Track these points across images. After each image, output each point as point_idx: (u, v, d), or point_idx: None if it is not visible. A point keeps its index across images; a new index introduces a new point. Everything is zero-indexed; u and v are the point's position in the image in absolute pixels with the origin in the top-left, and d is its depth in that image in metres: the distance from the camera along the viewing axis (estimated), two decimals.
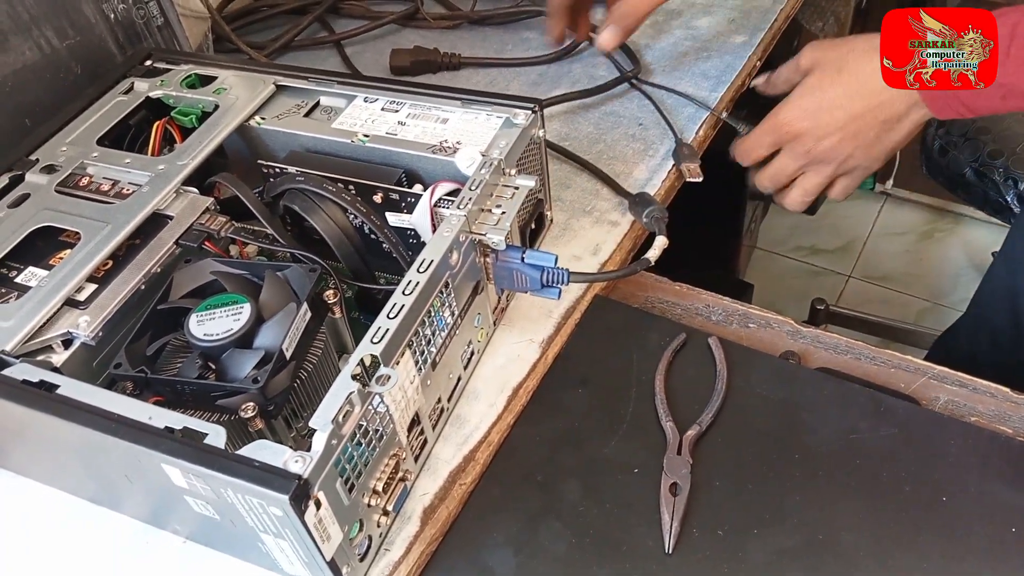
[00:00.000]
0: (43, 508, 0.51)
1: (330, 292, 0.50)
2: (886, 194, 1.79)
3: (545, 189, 0.62)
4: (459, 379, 0.53)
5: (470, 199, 0.50)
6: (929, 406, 0.52)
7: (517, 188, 0.53)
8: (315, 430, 0.39)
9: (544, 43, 0.83)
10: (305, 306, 0.48)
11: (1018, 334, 0.78)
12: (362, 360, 0.42)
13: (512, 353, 0.56)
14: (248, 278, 0.51)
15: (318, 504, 0.39)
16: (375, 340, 0.43)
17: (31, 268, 0.51)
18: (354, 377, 0.41)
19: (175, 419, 0.41)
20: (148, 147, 0.60)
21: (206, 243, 0.53)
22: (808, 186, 0.67)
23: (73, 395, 0.43)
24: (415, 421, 0.48)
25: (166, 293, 0.50)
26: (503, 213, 0.51)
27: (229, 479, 0.38)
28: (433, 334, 0.48)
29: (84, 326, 0.47)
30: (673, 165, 0.68)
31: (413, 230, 0.55)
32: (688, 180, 0.67)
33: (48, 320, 0.48)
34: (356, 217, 0.54)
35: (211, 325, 0.47)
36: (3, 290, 0.50)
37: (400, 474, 0.46)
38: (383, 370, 0.42)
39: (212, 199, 0.54)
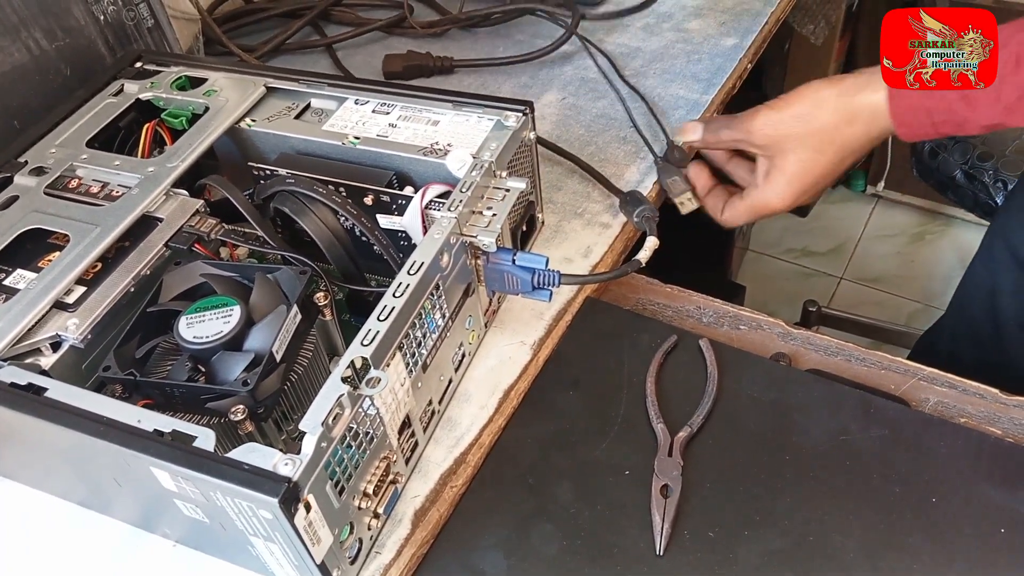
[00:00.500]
0: (32, 512, 0.51)
1: (320, 294, 0.50)
2: (877, 196, 1.80)
3: (536, 191, 0.62)
4: (450, 381, 0.53)
5: (461, 201, 0.50)
6: (919, 407, 0.53)
7: (508, 190, 0.53)
8: (305, 433, 0.39)
9: (534, 43, 0.83)
10: (295, 308, 0.48)
11: (998, 332, 0.79)
12: (352, 362, 0.42)
13: (503, 355, 0.56)
14: (238, 280, 0.51)
15: (308, 507, 0.39)
16: (365, 342, 0.42)
17: (20, 271, 0.51)
18: (344, 379, 0.41)
19: (164, 422, 0.41)
20: (138, 149, 0.60)
21: (196, 245, 0.52)
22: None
23: (61, 398, 0.42)
24: (406, 423, 0.47)
25: (156, 295, 0.50)
26: (494, 215, 0.51)
27: (218, 482, 0.38)
28: (424, 336, 0.48)
29: (73, 329, 0.47)
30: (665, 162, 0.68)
31: (404, 232, 0.55)
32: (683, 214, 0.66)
33: (37, 323, 0.47)
34: (347, 219, 0.54)
35: (201, 327, 0.47)
36: None
37: (391, 477, 0.46)
38: (373, 372, 0.42)
39: (202, 201, 0.54)
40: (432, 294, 0.48)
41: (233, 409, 0.44)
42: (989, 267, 0.80)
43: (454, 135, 0.56)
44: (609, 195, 0.66)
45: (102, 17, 0.67)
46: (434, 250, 0.47)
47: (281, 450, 0.39)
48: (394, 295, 0.45)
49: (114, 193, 0.55)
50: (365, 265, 0.56)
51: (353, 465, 0.42)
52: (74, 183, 0.56)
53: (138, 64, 0.65)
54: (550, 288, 0.52)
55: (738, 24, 0.83)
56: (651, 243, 0.56)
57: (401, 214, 0.54)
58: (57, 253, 0.51)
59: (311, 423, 0.39)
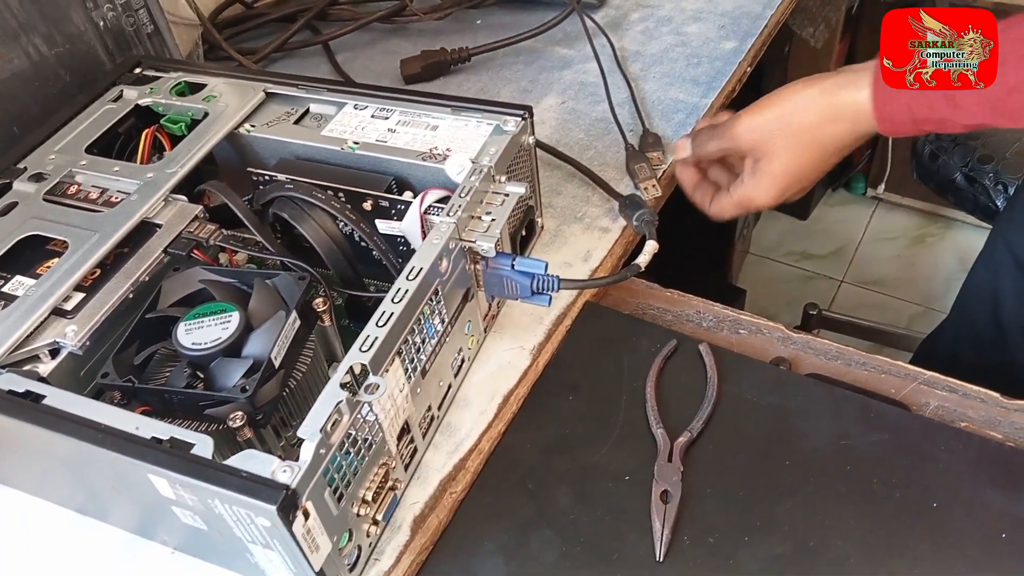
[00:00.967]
0: (30, 519, 0.50)
1: (319, 300, 0.50)
2: (878, 199, 1.80)
3: (536, 196, 0.62)
4: (449, 387, 0.53)
5: (460, 206, 0.50)
6: (919, 411, 0.52)
7: (507, 195, 0.53)
8: (303, 439, 0.39)
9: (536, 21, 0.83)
10: (294, 314, 0.48)
11: (1000, 336, 0.79)
12: (351, 368, 0.42)
13: (503, 360, 0.56)
14: (237, 286, 0.50)
15: (306, 514, 0.39)
16: (364, 348, 0.42)
17: (18, 277, 0.51)
18: (343, 386, 0.41)
19: (162, 429, 0.41)
20: (137, 155, 0.60)
21: (195, 251, 0.52)
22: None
23: (59, 405, 0.42)
24: (405, 429, 0.47)
25: (154, 302, 0.49)
26: (493, 220, 0.51)
27: (216, 489, 0.38)
28: (423, 342, 0.48)
29: (71, 335, 0.47)
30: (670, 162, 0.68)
31: (403, 237, 0.55)
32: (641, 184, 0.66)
33: (35, 330, 0.47)
34: (346, 225, 0.54)
35: (199, 334, 0.47)
36: None
37: (390, 483, 0.46)
38: (372, 379, 0.42)
39: (201, 207, 0.54)
40: (431, 299, 0.48)
41: (232, 416, 0.44)
42: (991, 270, 0.80)
43: (453, 140, 0.56)
44: (608, 199, 0.66)
45: (102, 23, 0.68)
46: (433, 255, 0.47)
47: (280, 456, 0.39)
48: (393, 301, 0.45)
49: (113, 199, 0.55)
50: (364, 270, 0.56)
51: (352, 472, 0.42)
52: (73, 189, 0.56)
53: (137, 70, 0.66)
54: (549, 293, 0.52)
55: (737, 27, 0.83)
56: (650, 247, 0.56)
57: (400, 219, 0.54)
58: (56, 259, 0.51)
59: (309, 430, 0.39)
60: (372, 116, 0.59)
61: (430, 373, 0.49)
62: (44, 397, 0.43)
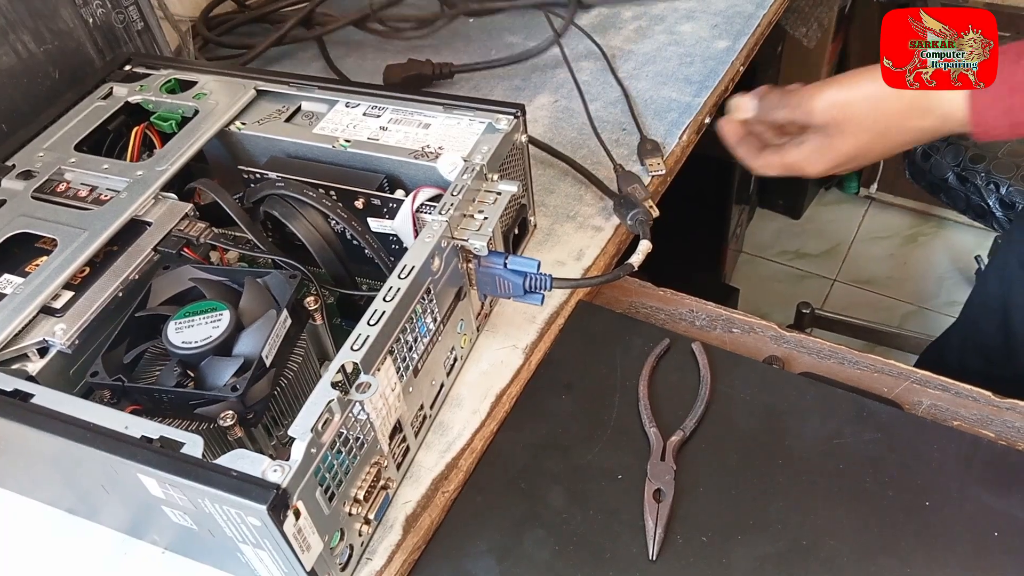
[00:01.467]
0: (20, 520, 0.50)
1: (311, 298, 0.50)
2: (870, 198, 1.80)
3: (528, 194, 0.62)
4: (442, 386, 0.53)
5: (452, 205, 0.50)
6: (912, 410, 0.52)
7: (499, 193, 0.52)
8: (294, 439, 0.39)
9: (526, 44, 0.83)
10: (285, 313, 0.48)
11: (1008, 346, 0.78)
12: (343, 367, 0.41)
13: (496, 359, 0.56)
14: (228, 285, 0.50)
15: (297, 514, 0.38)
16: (355, 347, 0.42)
17: (6, 275, 0.50)
18: (334, 385, 0.40)
19: (152, 428, 0.41)
20: (127, 153, 0.60)
21: (185, 249, 0.52)
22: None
23: (48, 404, 0.42)
24: (397, 428, 0.47)
25: (144, 300, 0.49)
26: (485, 219, 0.51)
27: (206, 489, 0.37)
28: (415, 340, 0.47)
29: (60, 334, 0.47)
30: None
31: (395, 236, 0.55)
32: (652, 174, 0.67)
33: (23, 328, 0.47)
34: (337, 223, 0.54)
35: (190, 332, 0.47)
36: None
37: (382, 482, 0.46)
38: (363, 378, 0.42)
39: (191, 205, 0.54)
40: (423, 298, 0.47)
41: (222, 415, 0.44)
42: (1001, 281, 0.79)
43: (445, 138, 0.56)
44: (602, 198, 0.66)
45: (91, 20, 0.67)
46: (425, 254, 0.47)
47: (271, 456, 0.39)
48: (384, 299, 0.45)
49: (102, 197, 0.54)
50: (356, 269, 0.56)
51: (343, 471, 0.42)
52: (62, 187, 0.56)
53: (127, 67, 0.65)
54: (542, 292, 0.51)
55: (730, 27, 0.83)
56: (644, 247, 0.56)
57: (392, 218, 0.54)
58: (44, 258, 0.50)
59: (300, 429, 0.39)
60: (364, 114, 0.59)
61: (422, 372, 0.49)
62: (32, 396, 0.43)
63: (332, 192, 0.55)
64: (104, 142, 0.60)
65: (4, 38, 0.62)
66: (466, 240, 0.50)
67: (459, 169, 0.52)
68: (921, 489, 0.47)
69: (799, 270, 1.71)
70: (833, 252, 1.73)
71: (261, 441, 0.47)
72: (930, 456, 0.48)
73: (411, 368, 0.47)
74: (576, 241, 0.63)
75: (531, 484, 0.49)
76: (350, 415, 0.41)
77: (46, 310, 0.48)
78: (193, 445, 0.40)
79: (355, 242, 0.54)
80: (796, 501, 0.47)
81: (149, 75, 0.64)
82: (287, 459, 0.38)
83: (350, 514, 0.44)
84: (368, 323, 0.43)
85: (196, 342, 0.46)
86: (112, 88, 0.63)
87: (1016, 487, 0.46)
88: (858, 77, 0.54)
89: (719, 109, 0.75)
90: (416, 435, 0.50)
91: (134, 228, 0.52)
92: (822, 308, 1.54)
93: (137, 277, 0.50)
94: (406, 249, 0.48)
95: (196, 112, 0.60)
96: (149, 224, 0.53)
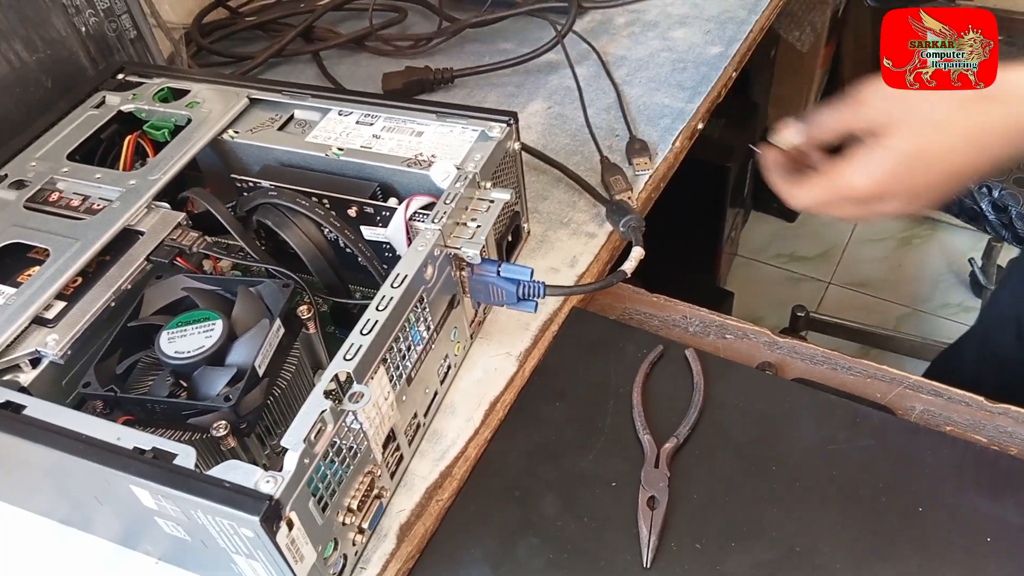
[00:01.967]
0: (12, 530, 0.50)
1: (304, 307, 0.50)
2: None
3: (522, 201, 0.62)
4: (436, 394, 0.53)
5: (445, 213, 0.50)
6: (905, 415, 0.52)
7: (492, 201, 0.52)
8: (287, 449, 0.39)
9: (520, 50, 0.83)
10: (278, 322, 0.48)
11: None
12: (336, 377, 0.41)
13: (489, 367, 0.56)
14: (220, 294, 0.50)
15: (290, 524, 0.38)
16: (348, 357, 0.42)
17: None
18: (327, 394, 0.40)
19: (144, 439, 0.41)
20: (119, 162, 0.60)
21: (178, 259, 0.52)
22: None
23: (40, 416, 0.42)
24: (391, 437, 0.47)
25: (137, 310, 0.49)
26: (478, 227, 0.51)
27: (199, 500, 0.37)
28: (408, 349, 0.47)
29: (53, 344, 0.47)
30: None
31: (389, 244, 0.55)
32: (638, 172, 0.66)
33: (16, 338, 0.47)
34: (330, 231, 0.54)
35: (182, 342, 0.46)
36: None
37: (375, 491, 0.46)
38: (356, 387, 0.42)
39: (184, 214, 0.54)
40: (416, 306, 0.47)
41: (215, 425, 0.44)
42: (1017, 295, 0.79)
43: (438, 146, 0.56)
44: (595, 204, 0.66)
45: (84, 28, 0.67)
46: (418, 262, 0.47)
47: (264, 465, 0.39)
48: (377, 308, 0.45)
49: (95, 206, 0.54)
50: (350, 277, 0.56)
51: (337, 481, 0.42)
52: (54, 196, 0.56)
53: (120, 76, 0.65)
54: (535, 299, 0.52)
55: (723, 32, 0.83)
56: (636, 253, 0.56)
57: (385, 226, 0.54)
58: (37, 268, 0.50)
59: (293, 439, 0.39)
60: (357, 122, 0.59)
61: (416, 380, 0.49)
62: (25, 407, 0.43)
63: (325, 200, 0.55)
64: (97, 151, 0.60)
65: None
66: (459, 248, 0.50)
67: (452, 177, 0.52)
68: (914, 494, 0.47)
69: (794, 273, 1.72)
70: (828, 255, 1.74)
71: (255, 451, 0.47)
72: (923, 461, 0.48)
73: (404, 377, 0.47)
74: (570, 248, 0.63)
75: (525, 492, 0.49)
76: (343, 425, 0.41)
77: (38, 320, 0.48)
78: (186, 456, 0.40)
79: (348, 250, 0.54)
80: (790, 508, 0.47)
81: (142, 84, 0.64)
82: (280, 469, 0.38)
83: (344, 524, 0.44)
84: (361, 332, 0.43)
85: (189, 352, 0.46)
86: (105, 97, 0.63)
87: (1008, 492, 0.46)
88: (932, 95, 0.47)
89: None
90: (410, 444, 0.50)
91: (127, 238, 0.52)
92: (817, 311, 1.54)
93: (130, 287, 0.50)
94: (399, 257, 0.48)
95: (189, 121, 0.60)
96: (142, 233, 0.53)
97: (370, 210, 0.55)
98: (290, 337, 0.49)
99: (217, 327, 0.47)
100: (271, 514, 0.37)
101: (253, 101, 0.61)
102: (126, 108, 0.62)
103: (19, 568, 0.48)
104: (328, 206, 0.55)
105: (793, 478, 0.48)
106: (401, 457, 0.49)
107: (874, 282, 1.67)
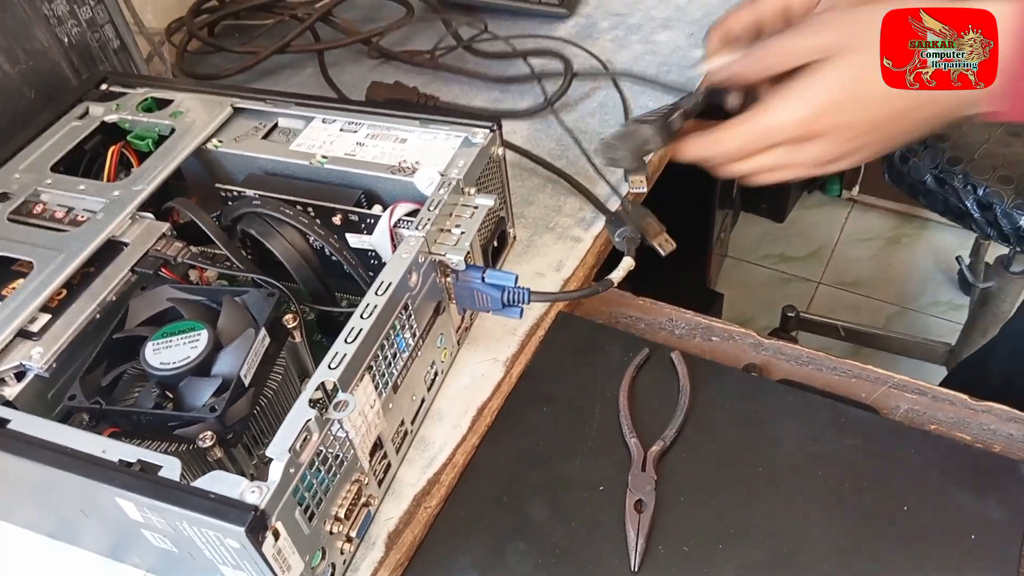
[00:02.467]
0: (0, 545, 0.50)
1: (289, 316, 0.50)
2: (853, 201, 1.81)
3: (507, 207, 0.62)
4: (423, 401, 0.53)
5: (429, 219, 0.50)
6: (889, 415, 0.53)
7: (476, 207, 0.53)
8: (272, 459, 0.39)
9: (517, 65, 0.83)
10: (263, 331, 0.48)
11: None
12: (321, 385, 0.41)
13: (476, 372, 0.56)
14: (206, 304, 0.50)
15: (276, 535, 0.38)
16: (333, 365, 0.42)
17: None
18: (312, 403, 0.40)
19: (129, 452, 0.40)
20: (104, 173, 0.59)
21: (163, 269, 0.52)
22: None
23: (24, 429, 0.42)
24: (377, 445, 0.47)
25: (122, 321, 0.49)
26: (462, 233, 0.51)
27: (184, 512, 0.37)
28: (394, 356, 0.47)
29: (37, 357, 0.47)
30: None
31: (374, 251, 0.55)
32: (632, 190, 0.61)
33: (0, 352, 0.47)
34: (315, 239, 0.54)
35: (168, 353, 0.46)
36: None
37: (363, 499, 0.46)
38: (341, 396, 0.42)
39: (168, 224, 0.54)
40: (401, 314, 0.47)
41: (201, 435, 0.44)
42: None
43: (422, 153, 0.56)
44: (581, 208, 0.66)
45: (66, 39, 0.67)
46: (402, 270, 0.47)
47: (252, 475, 0.39)
48: (361, 316, 0.45)
49: (79, 218, 0.54)
50: (336, 285, 0.56)
51: (323, 489, 0.42)
52: (38, 208, 0.56)
53: (103, 86, 0.65)
54: (520, 305, 0.52)
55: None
56: (626, 263, 0.56)
57: (370, 233, 0.54)
58: (21, 280, 0.50)
59: (278, 449, 0.39)
60: (341, 130, 0.59)
61: (402, 388, 0.49)
62: (9, 421, 0.43)
63: (310, 208, 0.55)
64: (81, 162, 0.60)
65: None
66: (444, 255, 0.50)
67: (436, 184, 0.52)
68: (899, 493, 0.47)
69: (784, 273, 1.72)
70: (817, 255, 1.75)
71: (241, 461, 0.47)
72: (908, 460, 0.49)
73: (390, 384, 0.47)
74: (555, 252, 0.63)
75: (513, 498, 0.49)
76: (329, 433, 0.41)
77: (23, 333, 0.48)
78: (171, 468, 0.40)
79: (333, 258, 0.54)
80: (776, 508, 0.47)
81: (125, 94, 0.64)
82: (266, 479, 0.38)
83: (331, 532, 0.44)
84: (345, 341, 0.43)
85: (174, 363, 0.46)
86: (88, 107, 0.63)
87: (992, 489, 0.47)
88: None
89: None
90: (397, 451, 0.50)
91: (111, 249, 0.52)
92: (807, 311, 1.55)
93: (114, 298, 0.50)
94: (385, 264, 0.48)
95: (173, 130, 0.60)
96: (126, 245, 0.53)
97: (355, 217, 0.55)
98: (276, 346, 0.49)
99: (202, 337, 0.47)
100: (256, 524, 0.37)
101: (237, 110, 0.61)
102: (110, 119, 0.62)
103: None
104: (313, 214, 0.55)
105: (779, 479, 0.49)
106: (388, 465, 0.49)
107: (863, 281, 1.68)
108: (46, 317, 0.49)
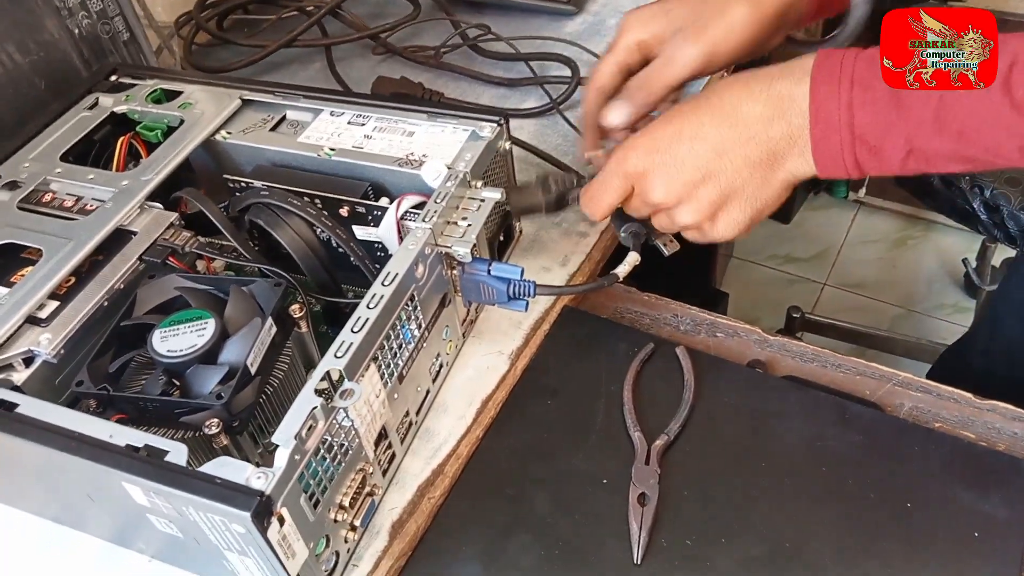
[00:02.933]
0: (5, 529, 0.50)
1: (296, 306, 0.50)
2: (859, 202, 1.81)
3: None
4: (427, 392, 0.53)
5: (435, 212, 0.50)
6: (894, 412, 0.53)
7: (483, 200, 0.53)
8: (278, 446, 0.39)
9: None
10: (270, 320, 0.48)
11: None
12: (327, 374, 0.42)
13: (481, 365, 0.56)
14: (213, 293, 0.50)
15: (281, 520, 0.38)
16: (339, 354, 0.42)
17: None
18: (318, 392, 0.41)
19: (136, 437, 0.41)
20: (113, 163, 0.60)
21: (170, 258, 0.52)
22: (674, 223, 0.51)
23: (32, 414, 0.42)
24: (382, 435, 0.47)
25: (129, 309, 0.49)
26: (469, 225, 0.51)
27: (190, 496, 0.38)
28: (400, 347, 0.48)
29: (46, 344, 0.47)
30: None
31: (380, 243, 0.55)
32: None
33: (9, 338, 0.47)
34: (322, 231, 0.54)
35: (175, 341, 0.47)
36: None
37: (367, 489, 0.46)
38: (347, 384, 0.42)
39: (176, 214, 0.54)
40: (407, 305, 0.48)
41: (207, 423, 0.44)
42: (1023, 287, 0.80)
43: (429, 146, 0.56)
44: None
45: (77, 31, 0.67)
46: (408, 261, 0.47)
47: (257, 463, 0.39)
48: (368, 306, 0.45)
49: (88, 207, 0.55)
50: (343, 276, 0.56)
51: (328, 478, 0.42)
52: (48, 197, 0.56)
53: (113, 77, 0.65)
54: (526, 298, 0.52)
55: None
56: (631, 259, 0.56)
57: (377, 225, 0.54)
58: (30, 268, 0.51)
59: (284, 436, 0.39)
60: (348, 123, 0.59)
61: (407, 378, 0.49)
62: (17, 406, 0.43)
63: (317, 200, 0.55)
64: (90, 152, 0.61)
65: None
66: (450, 247, 0.50)
67: (443, 176, 0.53)
68: (903, 491, 0.47)
69: (789, 274, 1.72)
70: (823, 256, 1.74)
71: (247, 449, 0.47)
72: (912, 458, 0.49)
73: (396, 375, 0.48)
74: (561, 247, 0.63)
75: (517, 489, 0.50)
76: (334, 422, 0.42)
77: (31, 320, 0.48)
78: (177, 453, 0.40)
79: (340, 250, 0.54)
80: (779, 504, 0.48)
81: (135, 85, 0.64)
82: (272, 466, 0.38)
83: (335, 521, 0.44)
84: (352, 330, 0.44)
85: (181, 351, 0.46)
86: (98, 98, 0.63)
87: (996, 488, 0.47)
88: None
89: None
90: (402, 441, 0.50)
91: (119, 238, 0.53)
92: (812, 312, 1.54)
93: (122, 286, 0.51)
94: (391, 256, 0.48)
95: (182, 122, 0.60)
96: (134, 234, 0.53)
97: (362, 209, 0.55)
98: (282, 336, 0.49)
99: (209, 326, 0.47)
100: (262, 510, 0.37)
101: (245, 102, 0.62)
102: (119, 109, 0.62)
103: (12, 567, 0.48)
104: (320, 206, 0.55)
105: (782, 474, 0.49)
106: (393, 455, 0.49)
107: (869, 283, 1.68)
108: (55, 304, 0.49)
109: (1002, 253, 1.48)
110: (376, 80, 0.80)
